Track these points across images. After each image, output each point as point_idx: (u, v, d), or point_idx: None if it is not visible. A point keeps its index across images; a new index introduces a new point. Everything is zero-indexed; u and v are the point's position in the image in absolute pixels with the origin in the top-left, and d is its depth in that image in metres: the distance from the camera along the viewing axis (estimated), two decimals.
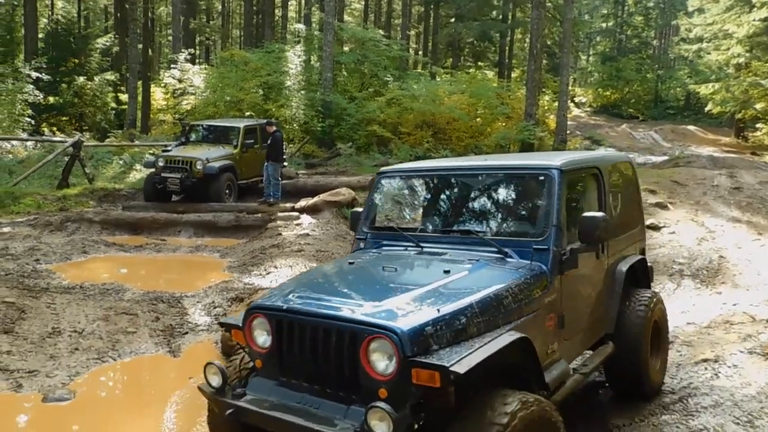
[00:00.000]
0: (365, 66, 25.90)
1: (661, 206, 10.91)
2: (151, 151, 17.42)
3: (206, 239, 11.13)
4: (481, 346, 2.68)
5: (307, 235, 10.25)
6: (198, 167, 12.60)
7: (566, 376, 3.39)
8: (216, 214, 11.83)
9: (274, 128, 12.76)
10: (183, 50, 24.27)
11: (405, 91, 24.11)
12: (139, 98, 25.28)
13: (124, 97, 27.28)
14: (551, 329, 3.32)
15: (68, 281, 7.98)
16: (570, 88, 31.38)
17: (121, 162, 18.02)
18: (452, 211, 4.15)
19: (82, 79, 25.05)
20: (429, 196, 4.32)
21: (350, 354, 2.73)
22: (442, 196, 4.29)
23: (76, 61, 26.56)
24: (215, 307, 7.17)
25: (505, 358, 2.79)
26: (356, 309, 2.83)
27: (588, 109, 40.52)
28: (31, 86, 20.97)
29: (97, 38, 28.72)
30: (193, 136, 14.51)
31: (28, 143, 18.08)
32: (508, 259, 3.40)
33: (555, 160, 3.73)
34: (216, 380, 3.04)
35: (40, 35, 27.49)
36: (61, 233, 10.53)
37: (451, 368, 2.46)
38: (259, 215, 11.79)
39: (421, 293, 2.98)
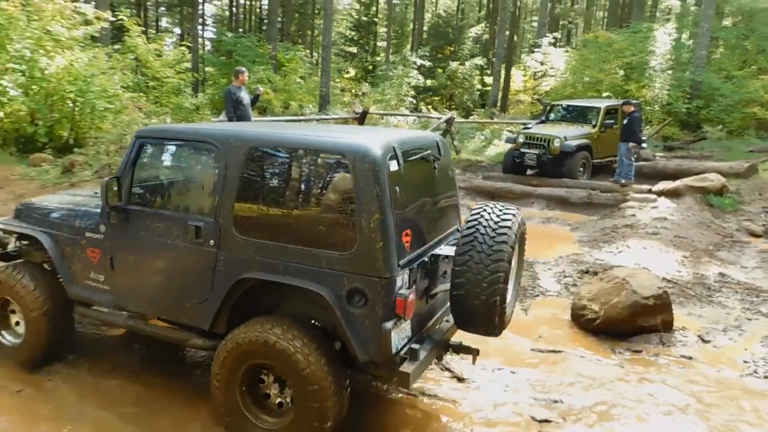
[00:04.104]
0: (750, 41, 22.80)
1: None
2: (509, 128, 18.62)
3: (557, 212, 11.51)
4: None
5: (665, 219, 9.82)
6: (555, 144, 13.06)
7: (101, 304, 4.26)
8: (568, 190, 12.15)
9: (633, 108, 12.42)
10: (547, 35, 25.00)
11: None
12: (501, 80, 27.03)
13: (488, 79, 29.49)
14: (94, 261, 4.19)
15: None
16: None
17: (482, 137, 19.76)
18: None
19: (455, 64, 27.97)
20: None
21: None
22: None
23: (452, 48, 29.75)
24: (565, 276, 7.51)
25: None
26: None
27: None
28: (415, 71, 24.40)
29: (470, 28, 31.57)
30: (552, 116, 15.12)
31: (409, 119, 21.18)
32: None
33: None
34: None
35: (425, 27, 31.52)
36: None
37: None
38: (612, 194, 11.71)
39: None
